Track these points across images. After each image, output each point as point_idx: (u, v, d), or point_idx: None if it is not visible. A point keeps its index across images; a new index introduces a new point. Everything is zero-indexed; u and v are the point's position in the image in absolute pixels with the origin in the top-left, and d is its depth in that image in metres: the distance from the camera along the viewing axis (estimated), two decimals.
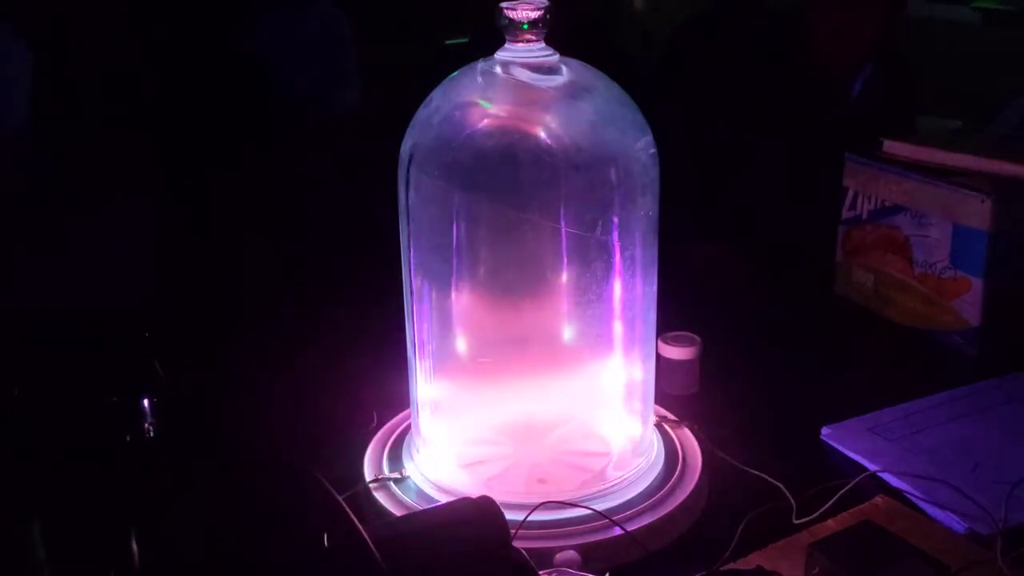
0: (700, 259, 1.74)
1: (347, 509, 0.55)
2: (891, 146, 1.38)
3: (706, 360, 1.19)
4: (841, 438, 1.07)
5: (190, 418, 1.02)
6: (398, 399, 1.06)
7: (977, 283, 1.26)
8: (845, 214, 1.42)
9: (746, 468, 1.01)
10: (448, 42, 4.14)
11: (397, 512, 0.92)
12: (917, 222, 1.31)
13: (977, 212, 1.24)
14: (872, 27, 1.74)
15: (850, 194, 1.41)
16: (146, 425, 1.03)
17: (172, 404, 1.01)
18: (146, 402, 1.03)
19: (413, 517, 0.63)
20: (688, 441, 1.04)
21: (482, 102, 0.92)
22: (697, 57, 2.58)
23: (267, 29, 3.45)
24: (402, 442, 1.03)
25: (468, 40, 2.47)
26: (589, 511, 0.91)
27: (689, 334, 1.19)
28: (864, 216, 1.39)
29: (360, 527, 0.53)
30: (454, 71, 0.94)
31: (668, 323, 1.11)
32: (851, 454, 1.05)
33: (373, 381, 1.12)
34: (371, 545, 0.50)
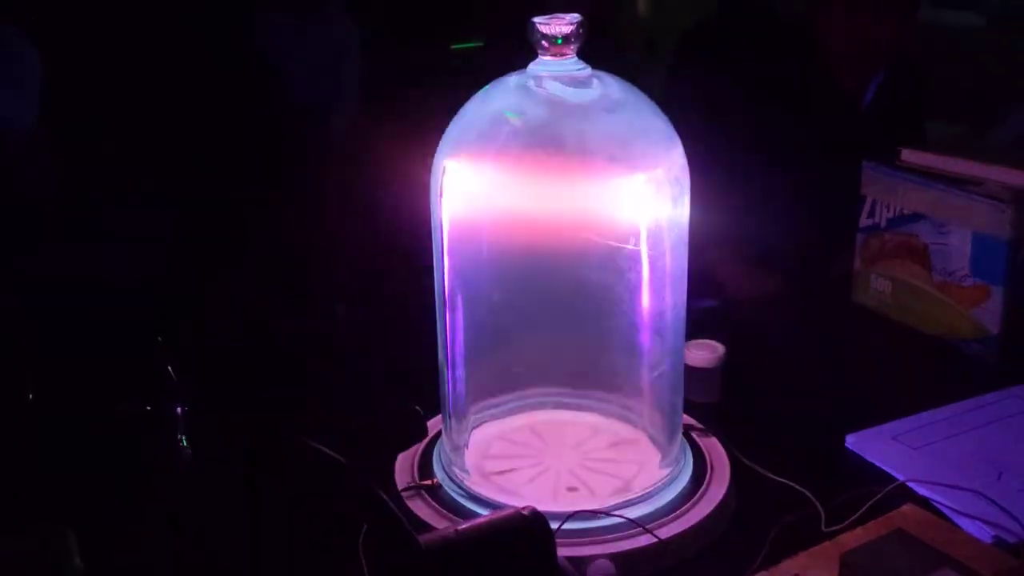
0: (715, 266, 1.76)
1: (405, 521, 0.56)
2: (909, 154, 1.39)
3: (726, 367, 1.20)
4: (865, 446, 1.09)
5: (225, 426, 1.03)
6: (426, 405, 1.07)
7: (997, 291, 1.27)
8: (863, 222, 1.43)
9: (773, 476, 1.02)
10: (455, 47, 4.15)
11: (431, 520, 0.93)
12: (936, 230, 1.33)
13: (997, 221, 1.25)
14: (885, 34, 1.75)
15: (868, 202, 1.42)
16: (179, 435, 1.04)
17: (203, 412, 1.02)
18: (179, 411, 1.05)
19: (463, 529, 0.64)
20: (715, 449, 1.05)
21: (508, 114, 0.93)
22: (705, 64, 2.59)
23: (275, 35, 3.46)
24: (432, 449, 1.04)
25: (482, 45, 2.48)
26: (621, 519, 0.92)
27: (712, 342, 1.20)
28: (882, 224, 1.40)
29: (419, 539, 0.54)
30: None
31: (688, 331, 1.12)
32: (876, 462, 1.06)
33: (402, 387, 1.13)
34: (430, 558, 0.52)
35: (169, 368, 1.13)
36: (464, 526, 0.65)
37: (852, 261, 1.47)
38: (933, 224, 1.33)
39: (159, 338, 1.22)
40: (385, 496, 0.55)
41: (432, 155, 0.96)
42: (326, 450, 0.62)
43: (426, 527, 0.90)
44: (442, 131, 0.96)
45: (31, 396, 1.16)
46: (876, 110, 1.83)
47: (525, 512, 0.65)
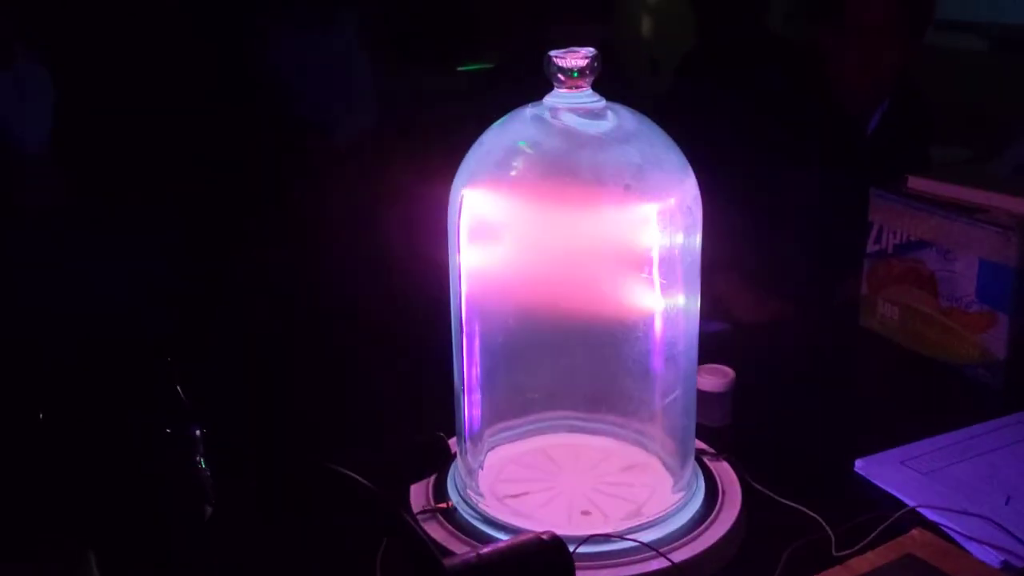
0: (723, 291, 1.77)
1: (431, 545, 0.57)
2: (916, 182, 1.41)
3: (736, 392, 1.21)
4: (874, 471, 1.10)
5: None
6: (440, 429, 1.08)
7: (1003, 318, 1.28)
8: (870, 248, 1.45)
9: (783, 500, 1.03)
10: (461, 68, 4.18)
11: (446, 543, 0.95)
12: (943, 257, 1.34)
13: (1003, 248, 1.27)
14: (891, 61, 1.77)
15: (875, 228, 1.44)
16: (197, 456, 1.06)
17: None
18: (198, 432, 1.06)
19: (484, 553, 0.65)
20: (726, 473, 1.06)
21: (521, 143, 0.95)
22: (708, 88, 2.61)
23: (284, 54, 3.49)
24: (447, 472, 1.05)
25: (493, 67, 2.50)
26: (635, 543, 0.93)
27: (722, 366, 1.22)
28: (889, 250, 1.42)
29: (444, 563, 0.56)
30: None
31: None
32: (885, 487, 1.07)
33: (417, 409, 1.15)
34: None
35: (178, 388, 1.15)
36: (485, 550, 0.66)
37: (859, 286, 1.49)
38: (939, 251, 1.35)
39: (168, 358, 1.23)
40: (411, 520, 0.56)
41: (444, 177, 0.98)
42: (350, 473, 0.63)
43: (441, 550, 0.91)
44: (455, 154, 0.99)
45: (41, 415, 1.18)
46: (881, 136, 1.85)
47: (545, 537, 0.67)
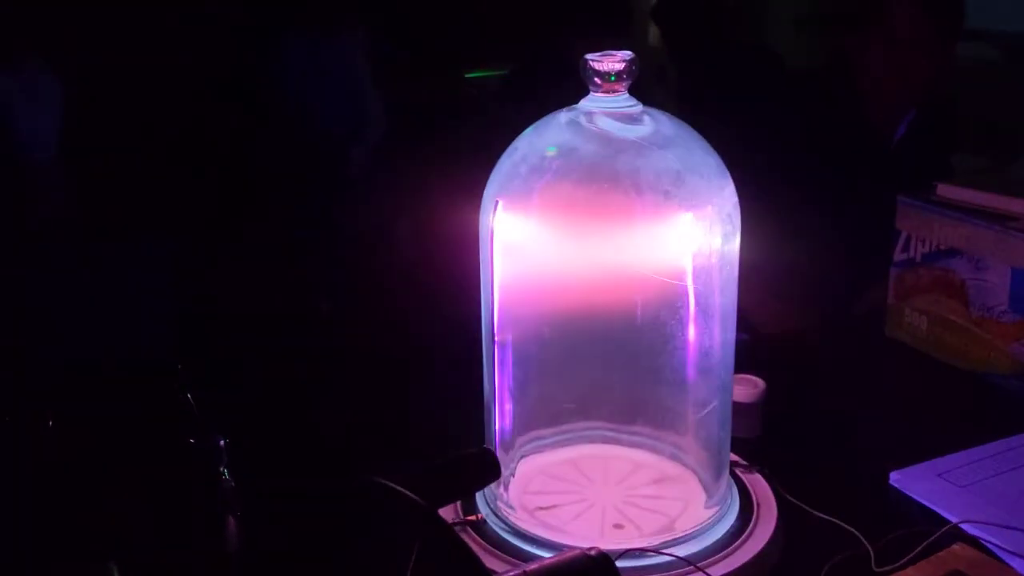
0: (745, 301, 1.75)
1: (480, 560, 0.55)
2: (944, 189, 1.39)
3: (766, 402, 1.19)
4: (910, 484, 1.08)
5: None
6: (470, 439, 1.07)
7: None
8: (897, 256, 1.43)
9: (819, 514, 1.01)
10: (468, 75, 4.17)
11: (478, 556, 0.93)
12: (974, 266, 1.32)
13: None
14: (920, 72, 1.76)
15: (903, 237, 1.42)
16: (221, 467, 1.04)
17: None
18: (221, 443, 1.04)
19: (531, 570, 0.63)
20: (760, 485, 1.04)
21: (552, 149, 0.93)
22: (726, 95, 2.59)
23: (289, 68, 3.48)
24: None
25: (506, 74, 2.49)
26: (670, 558, 0.91)
27: (752, 377, 1.20)
28: (918, 259, 1.40)
29: None
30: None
31: None
32: (922, 500, 1.05)
33: (445, 422, 1.13)
34: None
35: (188, 396, 1.13)
36: (532, 567, 0.64)
37: (885, 296, 1.47)
38: (970, 259, 1.33)
39: (179, 365, 1.22)
40: (463, 538, 0.54)
41: (476, 184, 0.96)
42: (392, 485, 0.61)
43: None
44: (487, 161, 0.97)
45: (50, 424, 1.16)
46: (907, 145, 1.83)
47: (592, 553, 0.65)
